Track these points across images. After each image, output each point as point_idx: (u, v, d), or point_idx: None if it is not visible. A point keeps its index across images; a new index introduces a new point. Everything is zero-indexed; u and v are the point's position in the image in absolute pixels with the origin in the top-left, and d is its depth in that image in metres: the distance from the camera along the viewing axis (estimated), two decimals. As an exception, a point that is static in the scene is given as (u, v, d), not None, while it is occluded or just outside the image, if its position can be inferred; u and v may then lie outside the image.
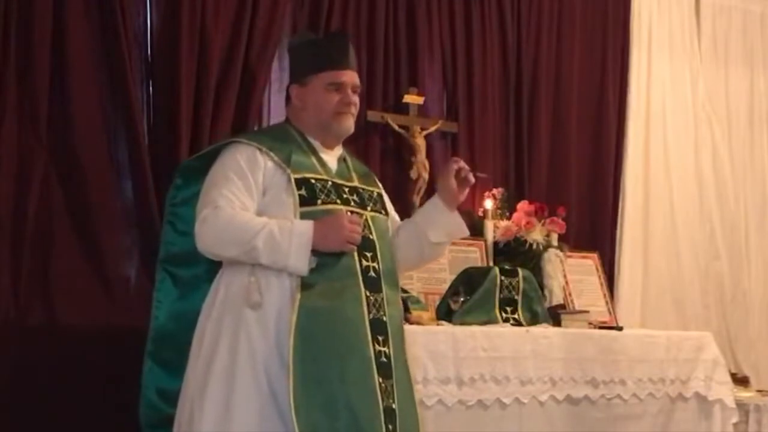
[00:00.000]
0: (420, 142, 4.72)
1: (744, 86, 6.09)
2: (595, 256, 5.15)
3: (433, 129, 4.81)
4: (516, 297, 4.29)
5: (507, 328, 4.12)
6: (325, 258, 2.84)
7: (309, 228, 2.80)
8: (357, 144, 4.36)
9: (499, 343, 3.98)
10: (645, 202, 5.66)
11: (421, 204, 4.05)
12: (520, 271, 4.36)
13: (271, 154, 2.93)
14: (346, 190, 3.00)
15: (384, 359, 2.86)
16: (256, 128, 4.23)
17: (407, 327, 3.30)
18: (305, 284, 2.80)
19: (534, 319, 4.30)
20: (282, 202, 2.88)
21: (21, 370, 3.64)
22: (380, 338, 2.87)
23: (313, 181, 2.93)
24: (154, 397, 3.13)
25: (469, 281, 4.29)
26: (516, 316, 4.26)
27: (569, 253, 4.92)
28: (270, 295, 2.82)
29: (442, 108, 5.01)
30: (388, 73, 4.78)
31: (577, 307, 4.74)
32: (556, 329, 4.29)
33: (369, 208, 3.03)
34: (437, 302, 4.33)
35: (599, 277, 5.08)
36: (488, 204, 4.81)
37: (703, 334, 4.75)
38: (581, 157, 5.41)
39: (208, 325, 2.88)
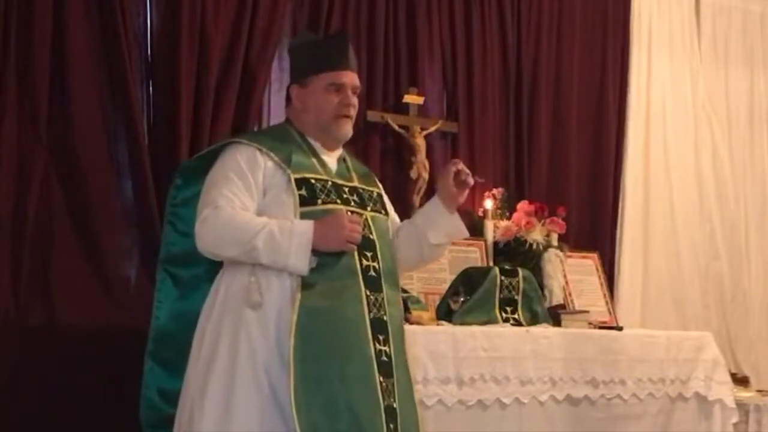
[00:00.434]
0: (420, 142, 4.72)
1: (744, 86, 6.09)
2: (595, 256, 5.15)
3: (433, 129, 4.81)
4: (516, 297, 4.30)
5: (507, 328, 4.12)
6: (325, 258, 2.84)
7: (309, 228, 2.80)
8: (357, 144, 4.36)
9: (499, 343, 3.98)
10: (645, 202, 5.66)
11: (421, 204, 4.05)
12: (520, 271, 4.36)
13: (271, 154, 2.93)
14: (346, 190, 3.00)
15: (385, 358, 2.87)
16: (256, 128, 4.23)
17: (407, 327, 3.30)
18: (305, 284, 2.81)
19: (534, 319, 4.30)
20: (282, 202, 2.89)
21: (21, 370, 3.64)
22: (381, 337, 2.87)
23: (313, 181, 2.93)
24: (154, 397, 3.13)
25: (469, 281, 4.29)
26: (516, 316, 4.26)
27: (569, 253, 4.92)
28: (270, 295, 2.82)
29: (442, 108, 5.01)
30: (388, 73, 4.78)
31: (577, 307, 4.74)
32: (556, 329, 4.29)
33: (369, 208, 3.03)
34: (437, 302, 4.34)
35: (599, 277, 5.08)
36: (488, 204, 4.81)
37: (703, 334, 4.75)
38: (581, 157, 5.41)
39: (208, 326, 2.88)
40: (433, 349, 3.80)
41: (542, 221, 4.79)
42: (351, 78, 3.03)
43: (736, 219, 5.95)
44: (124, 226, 3.94)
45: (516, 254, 4.72)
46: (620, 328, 4.58)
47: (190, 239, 2.95)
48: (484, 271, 4.35)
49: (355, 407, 2.75)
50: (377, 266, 2.94)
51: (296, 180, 2.90)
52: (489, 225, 4.76)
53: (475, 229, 4.78)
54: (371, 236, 2.96)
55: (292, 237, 2.78)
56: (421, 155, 4.70)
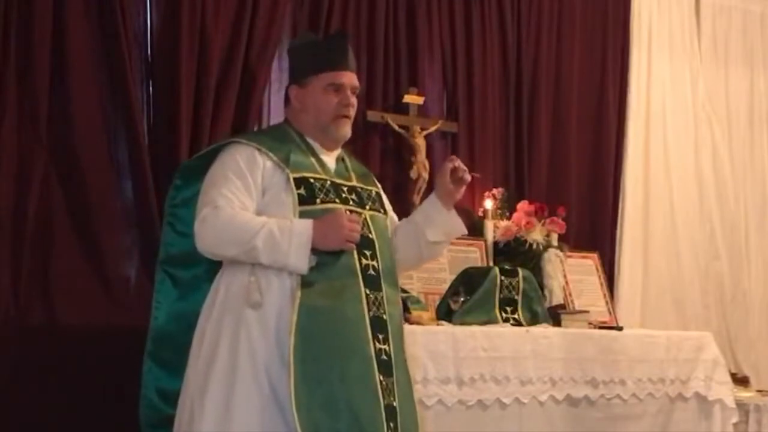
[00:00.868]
0: (420, 142, 4.72)
1: (744, 86, 6.09)
2: (595, 256, 5.15)
3: (433, 129, 4.81)
4: (516, 297, 4.30)
5: (507, 328, 4.12)
6: (324, 257, 2.84)
7: (308, 227, 2.80)
8: (357, 144, 4.36)
9: (499, 343, 3.98)
10: (645, 202, 5.66)
11: (421, 204, 4.05)
12: (520, 271, 4.36)
13: (270, 154, 2.93)
14: (345, 189, 3.00)
15: (384, 357, 2.87)
16: (255, 128, 4.23)
17: (407, 327, 3.31)
18: (305, 283, 2.81)
19: (534, 319, 4.30)
20: (281, 202, 2.89)
21: (21, 370, 3.64)
22: (380, 336, 2.88)
23: (311, 180, 2.93)
24: (154, 397, 3.13)
25: (469, 281, 4.29)
26: (516, 316, 4.26)
27: (569, 253, 4.92)
28: (270, 295, 2.82)
29: (442, 108, 5.02)
30: (388, 73, 4.78)
31: (577, 307, 4.74)
32: (556, 329, 4.29)
33: (368, 207, 3.03)
34: (437, 302, 4.33)
35: (599, 277, 5.08)
36: (488, 204, 4.81)
37: (703, 334, 4.75)
38: (581, 157, 5.41)
39: (208, 325, 2.88)
40: (433, 349, 3.80)
41: (542, 221, 4.79)
42: (350, 78, 3.03)
43: (736, 219, 5.95)
44: (124, 226, 3.94)
45: (516, 254, 4.72)
46: (620, 328, 4.58)
47: (189, 240, 2.95)
48: (484, 271, 4.35)
49: (356, 406, 2.75)
50: (376, 265, 2.94)
51: (295, 179, 2.90)
52: (489, 225, 4.76)
53: (475, 229, 4.78)
54: (370, 235, 2.96)
55: (292, 236, 2.78)
56: (421, 155, 4.70)
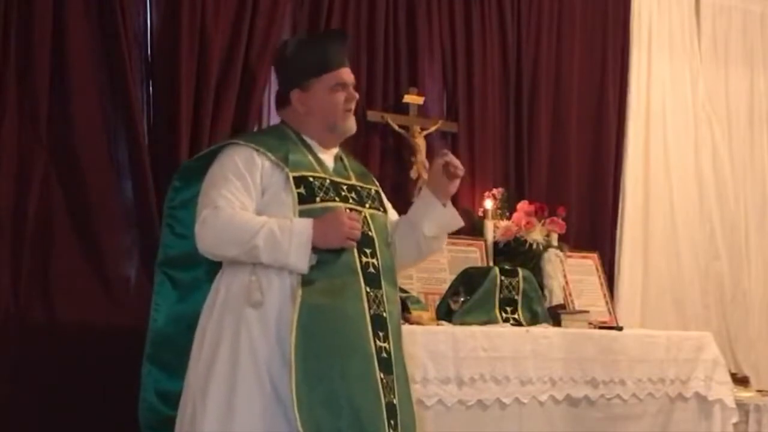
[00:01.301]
0: (420, 142, 4.72)
1: (744, 86, 6.09)
2: (595, 256, 5.15)
3: (433, 129, 4.81)
4: (516, 297, 4.30)
5: (507, 328, 4.12)
6: (325, 255, 2.84)
7: (308, 226, 2.81)
8: (357, 144, 4.36)
9: (499, 343, 3.98)
10: (645, 202, 5.66)
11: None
12: (520, 271, 4.36)
13: (269, 154, 2.93)
14: (344, 188, 3.00)
15: (384, 355, 2.87)
16: (255, 128, 4.23)
17: (407, 327, 3.30)
18: (306, 281, 2.81)
19: (534, 319, 4.30)
20: (281, 201, 2.89)
21: (21, 370, 3.64)
22: (381, 334, 2.88)
23: (311, 179, 2.93)
24: (153, 400, 3.12)
25: (469, 281, 4.30)
26: (516, 316, 4.26)
27: (569, 253, 4.93)
28: (271, 294, 2.82)
29: (442, 108, 5.02)
30: (388, 73, 4.78)
31: (577, 307, 4.74)
32: (556, 329, 4.29)
33: (367, 206, 3.03)
34: (437, 302, 4.34)
35: (599, 277, 5.09)
36: (488, 204, 4.81)
37: (703, 334, 4.75)
38: (581, 157, 5.41)
39: (209, 326, 2.88)
40: (433, 349, 3.80)
41: (542, 221, 4.79)
42: (350, 74, 3.06)
43: (736, 219, 5.95)
44: (124, 226, 3.94)
45: (516, 254, 4.72)
46: (620, 328, 4.59)
47: (188, 241, 2.95)
48: (484, 271, 4.35)
49: (357, 404, 2.76)
50: (376, 263, 2.94)
51: (294, 178, 2.90)
52: (489, 225, 4.76)
53: (475, 229, 4.78)
54: (370, 233, 2.96)
55: (292, 235, 2.78)
56: (421, 155, 4.70)
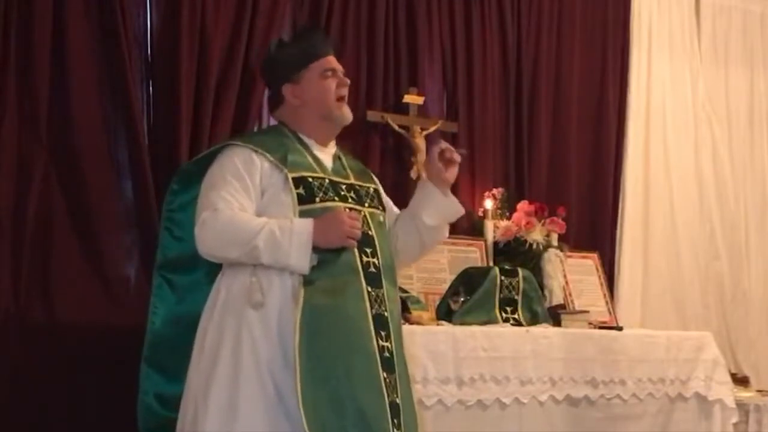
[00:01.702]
0: (420, 142, 4.72)
1: (744, 86, 6.09)
2: (595, 256, 5.15)
3: (433, 129, 4.81)
4: (516, 297, 4.30)
5: (507, 328, 4.12)
6: (325, 255, 2.83)
7: (309, 226, 2.80)
8: (357, 144, 4.37)
9: (499, 343, 3.98)
10: (645, 202, 5.66)
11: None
12: (520, 271, 4.36)
13: (267, 155, 2.93)
14: (343, 187, 3.00)
15: (387, 354, 2.87)
16: (256, 128, 4.23)
17: (407, 327, 3.30)
18: (307, 281, 2.80)
19: (534, 319, 4.30)
20: (281, 202, 2.88)
21: (21, 370, 3.64)
22: (383, 333, 2.88)
23: (310, 179, 2.93)
24: (152, 402, 3.11)
25: (469, 281, 4.29)
26: (516, 316, 4.26)
27: (569, 253, 4.93)
28: (272, 295, 2.81)
29: (442, 108, 5.02)
30: (388, 73, 4.78)
31: (577, 307, 4.74)
32: (556, 329, 4.29)
33: (366, 205, 3.03)
34: (437, 302, 4.34)
35: (599, 277, 5.09)
36: (488, 204, 4.81)
37: (703, 334, 4.75)
38: (581, 157, 5.42)
39: (210, 327, 2.87)
40: (433, 349, 3.80)
41: (542, 221, 4.79)
42: (337, 62, 3.08)
43: (736, 219, 5.95)
44: (124, 226, 3.94)
45: (516, 254, 4.72)
46: (620, 328, 4.58)
47: (187, 244, 2.95)
48: (484, 271, 4.35)
49: (361, 403, 2.75)
50: (377, 262, 2.94)
51: (293, 179, 2.90)
52: (489, 225, 4.76)
53: (475, 229, 4.79)
54: (370, 232, 2.96)
55: (293, 236, 2.78)
56: (421, 155, 4.70)
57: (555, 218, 4.83)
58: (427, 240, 3.17)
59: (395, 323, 2.96)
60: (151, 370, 3.11)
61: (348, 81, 3.08)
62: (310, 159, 2.99)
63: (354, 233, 2.85)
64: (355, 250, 2.89)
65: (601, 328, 4.57)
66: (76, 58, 3.87)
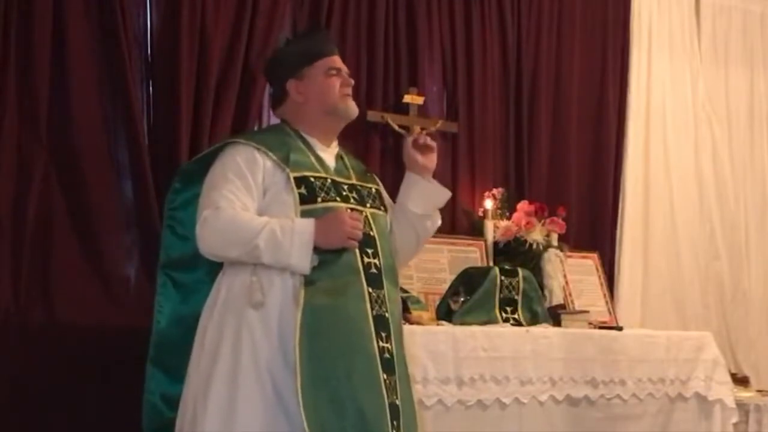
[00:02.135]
0: (420, 142, 4.71)
1: (744, 86, 6.09)
2: (595, 256, 5.16)
3: (433, 129, 4.81)
4: (516, 297, 4.30)
5: (507, 328, 4.12)
6: (326, 255, 2.84)
7: (310, 226, 2.80)
8: (357, 144, 4.36)
9: (499, 343, 3.98)
10: (645, 202, 5.65)
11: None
12: (520, 271, 4.36)
13: (270, 153, 2.93)
14: (345, 187, 3.00)
15: (387, 355, 2.87)
16: (256, 128, 4.23)
17: (407, 327, 3.30)
18: (308, 281, 2.80)
19: (534, 319, 4.30)
20: (282, 202, 2.88)
21: (21, 370, 3.64)
22: (383, 334, 2.88)
23: (312, 179, 2.93)
24: (158, 403, 3.11)
25: (469, 281, 4.29)
26: (516, 316, 4.26)
27: (569, 253, 4.93)
28: (272, 295, 2.81)
29: (442, 108, 5.01)
30: (388, 73, 4.78)
31: (577, 307, 4.74)
32: (556, 329, 4.29)
33: (368, 205, 3.03)
34: (437, 302, 4.34)
35: (599, 277, 5.09)
36: (488, 204, 4.81)
37: (703, 334, 4.75)
38: (581, 157, 5.41)
39: (209, 326, 2.87)
40: (433, 349, 3.80)
41: (542, 221, 4.79)
42: (341, 62, 3.10)
43: (736, 219, 5.95)
44: (124, 226, 3.94)
45: (516, 254, 4.72)
46: (620, 328, 4.59)
47: (190, 243, 2.95)
48: (484, 271, 4.35)
49: (361, 404, 2.75)
50: (378, 263, 2.94)
51: (295, 179, 2.90)
52: (489, 225, 4.76)
53: (475, 229, 4.78)
54: (371, 233, 2.96)
55: (294, 235, 2.78)
56: (422, 155, 4.69)
57: (555, 218, 4.83)
58: (421, 231, 3.17)
59: (396, 324, 2.96)
60: (157, 370, 3.11)
61: (352, 81, 3.09)
62: (312, 158, 2.99)
63: (355, 234, 2.85)
64: (357, 251, 2.89)
65: (601, 328, 4.57)
66: (76, 58, 3.87)
